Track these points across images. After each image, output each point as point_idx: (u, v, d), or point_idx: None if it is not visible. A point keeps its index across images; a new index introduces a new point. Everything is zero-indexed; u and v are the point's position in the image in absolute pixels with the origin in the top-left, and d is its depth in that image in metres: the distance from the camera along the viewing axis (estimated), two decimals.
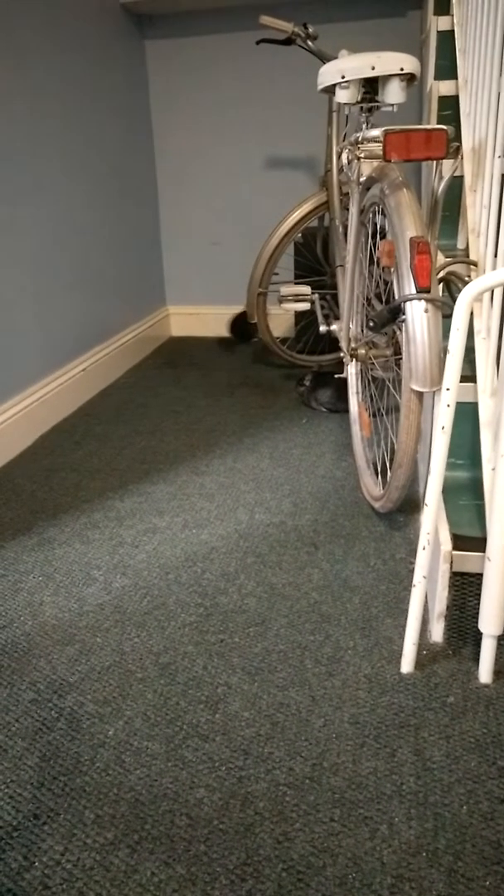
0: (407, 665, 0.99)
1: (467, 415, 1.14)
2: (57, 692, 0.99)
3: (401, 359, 1.16)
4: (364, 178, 1.33)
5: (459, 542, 1.00)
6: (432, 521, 0.93)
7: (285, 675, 1.00)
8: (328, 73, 1.43)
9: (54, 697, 0.98)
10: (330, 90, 1.48)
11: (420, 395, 1.09)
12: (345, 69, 1.40)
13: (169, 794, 0.83)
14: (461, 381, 1.13)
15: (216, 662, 1.03)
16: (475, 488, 1.16)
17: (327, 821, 0.79)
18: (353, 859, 0.74)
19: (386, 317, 1.13)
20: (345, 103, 1.45)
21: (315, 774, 0.84)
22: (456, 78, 1.76)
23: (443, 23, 1.85)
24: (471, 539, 1.01)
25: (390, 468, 1.28)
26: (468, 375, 1.14)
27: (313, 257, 2.21)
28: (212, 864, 0.74)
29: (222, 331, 2.82)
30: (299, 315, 2.40)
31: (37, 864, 0.75)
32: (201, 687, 0.99)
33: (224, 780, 0.84)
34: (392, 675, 0.99)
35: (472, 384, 1.13)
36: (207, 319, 2.82)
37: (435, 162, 1.33)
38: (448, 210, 1.64)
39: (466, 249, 1.56)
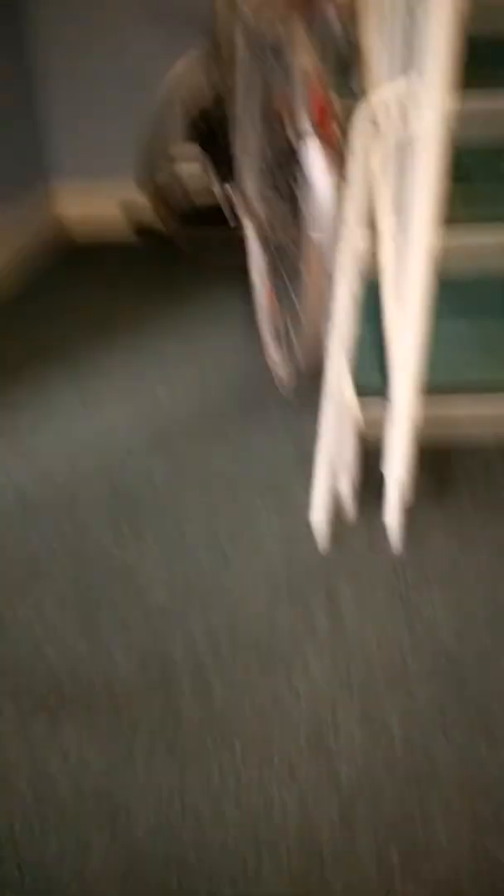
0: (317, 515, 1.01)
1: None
2: None
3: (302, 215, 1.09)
4: (254, 25, 1.21)
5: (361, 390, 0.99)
6: (335, 372, 0.91)
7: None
8: None
9: None
10: None
11: (323, 248, 1.04)
12: None
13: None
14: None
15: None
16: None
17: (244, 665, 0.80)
18: None
19: (283, 161, 1.05)
20: None
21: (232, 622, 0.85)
22: None
23: None
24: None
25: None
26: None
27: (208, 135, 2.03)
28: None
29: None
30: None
31: None
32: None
33: (142, 642, 0.84)
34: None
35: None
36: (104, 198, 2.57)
37: (331, 7, 1.22)
38: (347, 55, 1.53)
39: (364, 92, 1.47)
